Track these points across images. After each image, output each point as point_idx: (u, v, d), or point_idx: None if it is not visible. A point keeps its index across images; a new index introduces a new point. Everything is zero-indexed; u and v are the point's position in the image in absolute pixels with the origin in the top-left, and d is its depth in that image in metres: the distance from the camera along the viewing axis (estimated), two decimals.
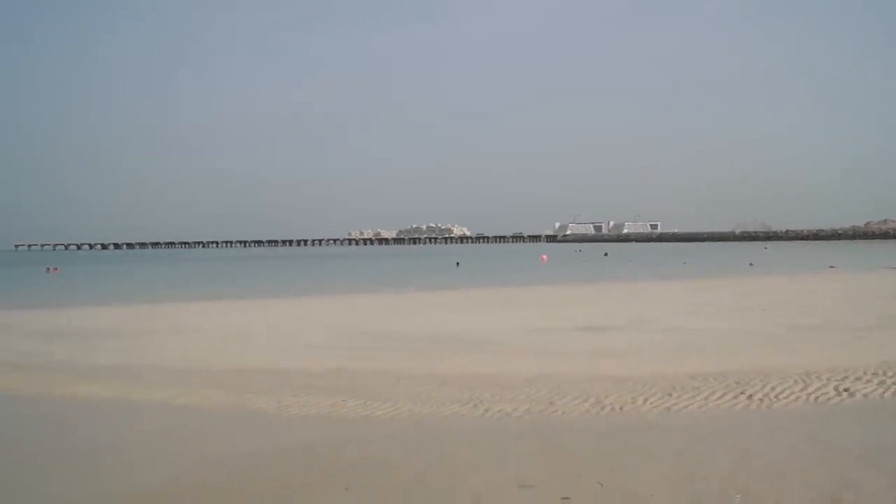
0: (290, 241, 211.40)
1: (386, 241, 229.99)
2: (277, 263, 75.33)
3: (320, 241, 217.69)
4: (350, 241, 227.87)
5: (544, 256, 70.40)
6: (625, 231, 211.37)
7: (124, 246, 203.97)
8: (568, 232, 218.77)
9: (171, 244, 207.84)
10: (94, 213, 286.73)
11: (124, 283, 43.61)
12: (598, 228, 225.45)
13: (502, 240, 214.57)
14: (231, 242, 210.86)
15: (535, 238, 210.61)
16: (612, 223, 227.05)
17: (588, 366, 10.30)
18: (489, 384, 9.10)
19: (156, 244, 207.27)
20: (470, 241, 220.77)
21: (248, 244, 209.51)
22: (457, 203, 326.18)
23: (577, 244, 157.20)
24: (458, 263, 60.04)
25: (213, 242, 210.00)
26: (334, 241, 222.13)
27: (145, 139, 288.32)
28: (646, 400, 8.03)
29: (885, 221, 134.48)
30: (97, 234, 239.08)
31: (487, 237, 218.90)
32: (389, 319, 17.52)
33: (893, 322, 14.67)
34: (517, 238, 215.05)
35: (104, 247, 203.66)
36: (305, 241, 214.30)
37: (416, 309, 20.43)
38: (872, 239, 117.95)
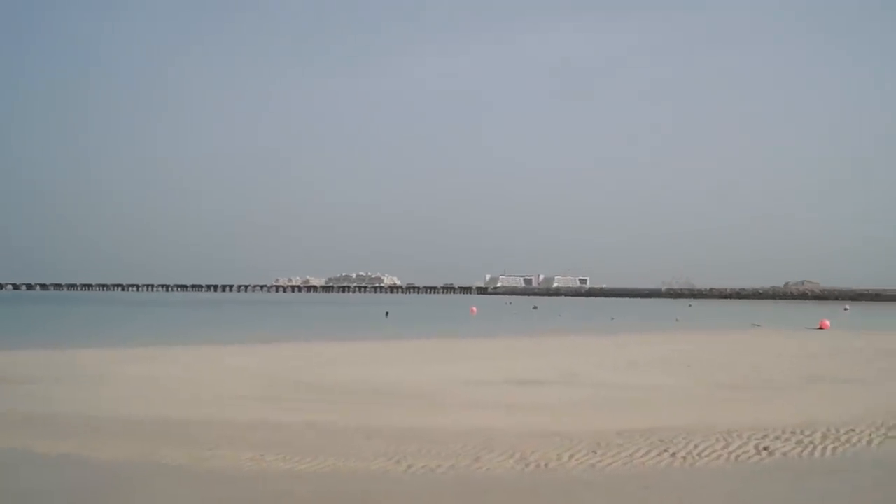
0: (216, 286, 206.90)
1: (315, 288, 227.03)
2: (201, 310, 73.36)
3: (246, 286, 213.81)
4: (278, 287, 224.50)
5: (474, 308, 70.63)
6: (555, 285, 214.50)
7: (38, 287, 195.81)
8: (499, 284, 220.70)
9: (87, 286, 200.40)
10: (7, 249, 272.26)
11: (34, 325, 41.65)
12: (528, 281, 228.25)
13: (433, 290, 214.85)
14: (153, 286, 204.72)
15: (466, 290, 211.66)
16: (542, 277, 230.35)
17: (518, 421, 10.31)
18: (416, 438, 8.99)
19: (71, 286, 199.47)
20: (400, 290, 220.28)
21: (170, 288, 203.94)
22: (387, 252, 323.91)
23: (508, 297, 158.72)
24: (387, 314, 59.73)
25: (132, 286, 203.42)
26: (261, 287, 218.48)
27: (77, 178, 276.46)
28: (571, 456, 8.06)
29: (804, 283, 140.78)
30: (8, 272, 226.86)
31: (418, 287, 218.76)
32: (316, 370, 17.20)
33: (813, 381, 15.24)
34: (448, 289, 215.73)
35: (16, 287, 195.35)
36: (231, 287, 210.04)
37: (344, 360, 20.13)
38: (791, 299, 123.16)
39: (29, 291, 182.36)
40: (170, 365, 18.36)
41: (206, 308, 76.36)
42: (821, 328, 37.95)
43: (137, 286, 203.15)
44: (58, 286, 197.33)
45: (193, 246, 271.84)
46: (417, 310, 76.26)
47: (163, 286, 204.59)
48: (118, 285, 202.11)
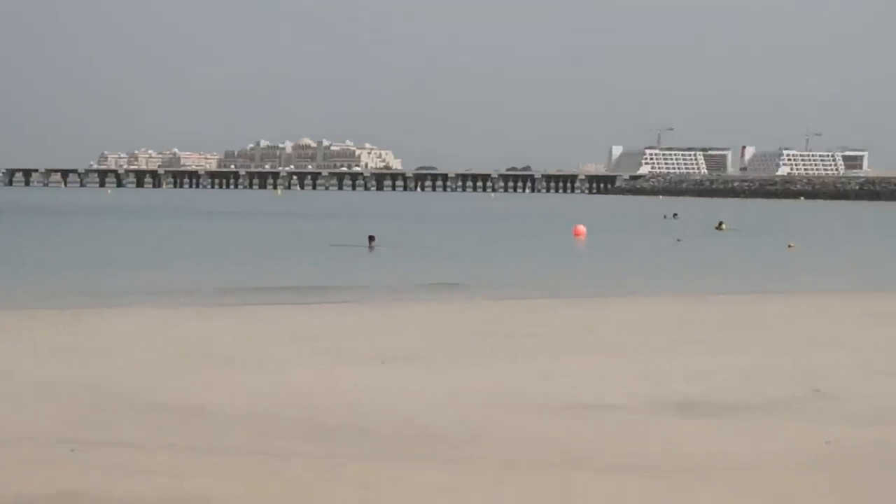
0: None
1: (193, 176, 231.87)
2: None
3: (28, 173, 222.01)
4: (103, 173, 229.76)
5: (580, 228, 71.15)
6: (781, 171, 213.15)
7: None
8: (642, 170, 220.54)
9: None
10: None
11: None
12: (717, 161, 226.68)
13: (475, 183, 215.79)
14: None
15: (562, 182, 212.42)
16: (749, 151, 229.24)
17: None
18: None
19: None
20: (400, 182, 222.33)
21: None
22: (373, 107, 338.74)
23: (664, 199, 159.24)
24: (371, 240, 59.98)
25: None
26: (66, 173, 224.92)
27: None
28: None
29: None
30: None
31: (440, 177, 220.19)
32: (193, 373, 17.25)
33: None
34: (514, 180, 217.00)
35: None
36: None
37: (261, 349, 20.42)
38: None
39: None
40: None
41: None
42: None
43: None
44: None
45: None
46: (443, 229, 77.11)
47: None
48: None
